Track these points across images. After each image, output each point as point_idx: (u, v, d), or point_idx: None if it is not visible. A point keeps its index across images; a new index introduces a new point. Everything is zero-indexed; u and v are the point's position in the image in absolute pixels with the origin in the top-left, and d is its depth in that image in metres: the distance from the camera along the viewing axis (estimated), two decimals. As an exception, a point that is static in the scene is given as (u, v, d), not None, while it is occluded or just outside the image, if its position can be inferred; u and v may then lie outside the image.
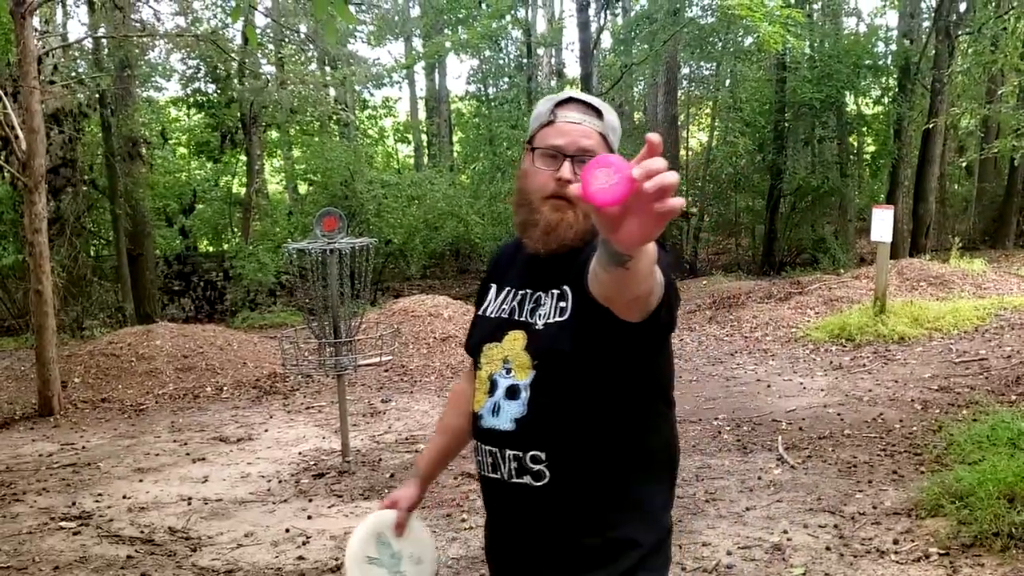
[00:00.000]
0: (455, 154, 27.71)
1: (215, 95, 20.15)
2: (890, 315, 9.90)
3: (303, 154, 24.07)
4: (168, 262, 18.81)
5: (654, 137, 1.14)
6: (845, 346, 9.54)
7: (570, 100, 1.84)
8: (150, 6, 17.04)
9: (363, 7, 21.54)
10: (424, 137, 31.08)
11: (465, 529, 4.89)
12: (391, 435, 7.33)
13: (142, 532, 5.16)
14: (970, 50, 18.22)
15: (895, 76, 20.80)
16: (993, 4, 18.05)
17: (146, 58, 18.68)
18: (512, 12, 22.69)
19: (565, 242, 1.78)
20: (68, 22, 18.91)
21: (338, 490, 5.84)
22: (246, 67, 18.00)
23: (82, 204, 15.99)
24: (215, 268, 18.80)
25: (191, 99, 21.11)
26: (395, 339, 8.93)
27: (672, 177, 1.10)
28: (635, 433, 1.80)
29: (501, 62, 26.15)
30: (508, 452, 1.81)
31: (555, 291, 1.82)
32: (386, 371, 9.99)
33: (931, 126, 17.38)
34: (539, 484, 1.78)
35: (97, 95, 15.92)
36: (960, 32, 18.90)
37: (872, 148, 24.41)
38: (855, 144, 23.99)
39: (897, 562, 4.09)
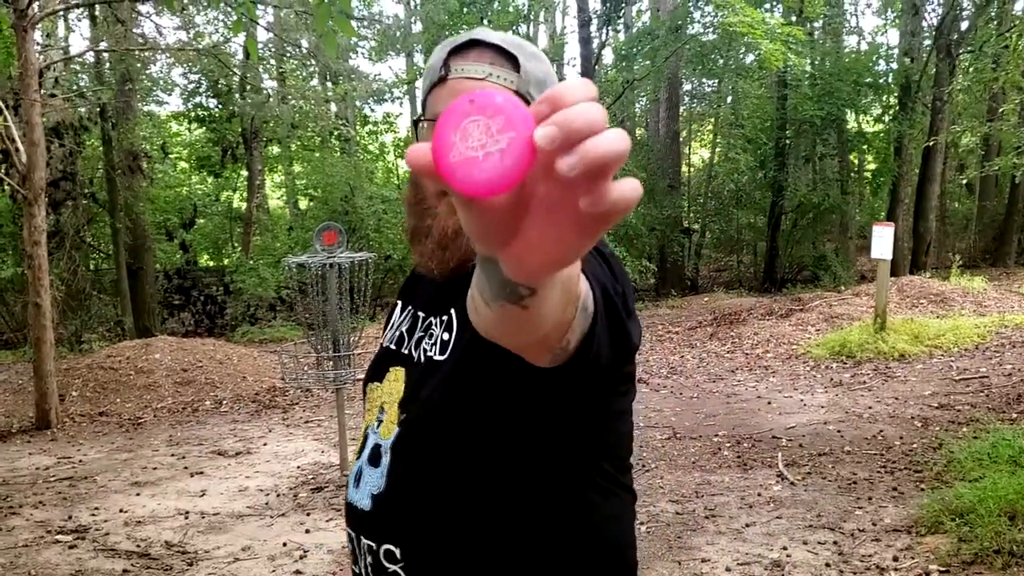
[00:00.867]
0: (456, 170, 27.69)
1: (216, 109, 20.22)
2: (890, 332, 9.88)
3: (304, 169, 24.11)
4: (168, 276, 18.80)
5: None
6: (845, 363, 9.52)
7: (472, 44, 1.28)
8: (152, 20, 17.06)
9: (364, 23, 21.60)
10: (425, 153, 31.08)
11: None
12: (390, 450, 7.29)
13: (138, 546, 5.13)
14: (971, 68, 18.30)
15: (896, 94, 20.85)
16: (995, 22, 18.12)
17: (147, 72, 18.73)
18: (514, 27, 22.76)
19: (467, 259, 1.28)
20: (70, 36, 18.96)
21: (336, 504, 5.81)
22: (247, 82, 18.06)
23: (82, 217, 16.00)
24: (215, 282, 18.79)
25: (192, 113, 21.19)
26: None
27: (614, 139, 0.57)
28: (548, 528, 1.25)
29: (503, 77, 26.16)
30: (364, 542, 1.33)
31: (444, 317, 1.33)
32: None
33: (932, 144, 17.46)
34: None
35: (98, 108, 15.97)
36: (961, 50, 18.99)
37: (873, 166, 24.46)
38: (856, 162, 24.02)
39: (897, 580, 4.07)
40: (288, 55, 19.01)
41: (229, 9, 12.90)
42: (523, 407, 1.18)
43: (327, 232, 6.26)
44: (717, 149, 24.67)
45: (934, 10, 20.45)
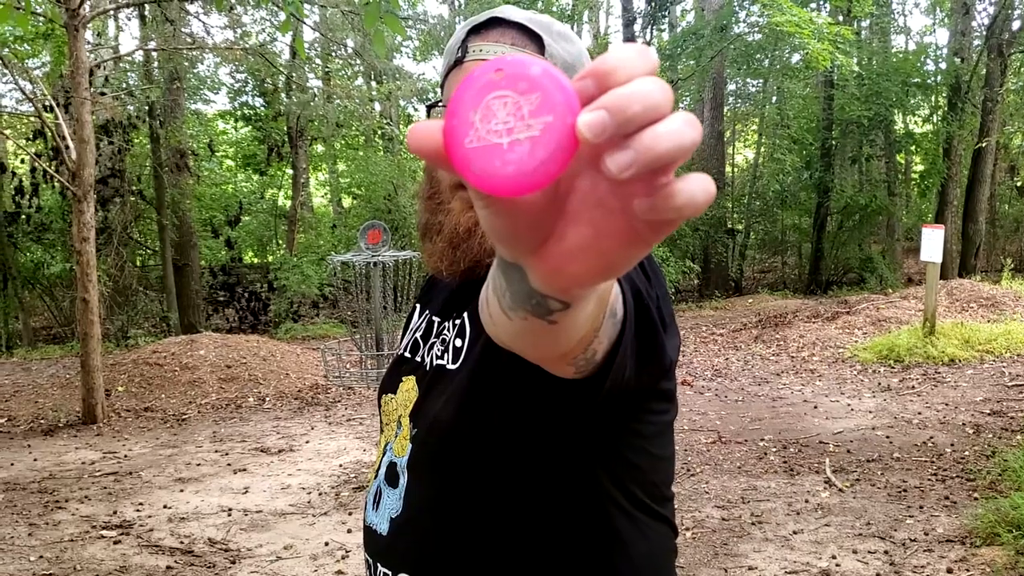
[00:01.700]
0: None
1: (262, 108, 20.38)
2: (940, 336, 9.71)
3: (348, 168, 24.23)
4: (213, 273, 18.95)
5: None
6: (894, 367, 9.37)
7: (493, 22, 1.15)
8: (200, 19, 17.19)
9: (409, 22, 21.65)
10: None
11: None
12: (432, 449, 7.28)
13: (182, 543, 5.15)
14: (1023, 69, 17.96)
15: (945, 95, 20.54)
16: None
17: (195, 71, 18.94)
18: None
19: (481, 259, 1.15)
20: (120, 35, 19.17)
21: (378, 504, 5.80)
22: (293, 81, 18.15)
23: (129, 214, 16.20)
24: (259, 279, 18.91)
25: (239, 112, 21.39)
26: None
27: (680, 128, 0.45)
28: (569, 561, 1.13)
29: (547, 77, 26.16)
30: (380, 569, 1.22)
31: (457, 321, 1.21)
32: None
33: (982, 145, 17.14)
34: None
35: (146, 107, 16.13)
36: (1013, 51, 18.65)
37: (920, 167, 24.12)
38: (903, 163, 23.69)
39: (951, 591, 3.97)
40: (334, 54, 19.10)
41: (276, 8, 12.97)
42: (543, 424, 1.07)
43: (372, 231, 6.25)
44: (762, 149, 24.43)
45: (985, 9, 20.14)
